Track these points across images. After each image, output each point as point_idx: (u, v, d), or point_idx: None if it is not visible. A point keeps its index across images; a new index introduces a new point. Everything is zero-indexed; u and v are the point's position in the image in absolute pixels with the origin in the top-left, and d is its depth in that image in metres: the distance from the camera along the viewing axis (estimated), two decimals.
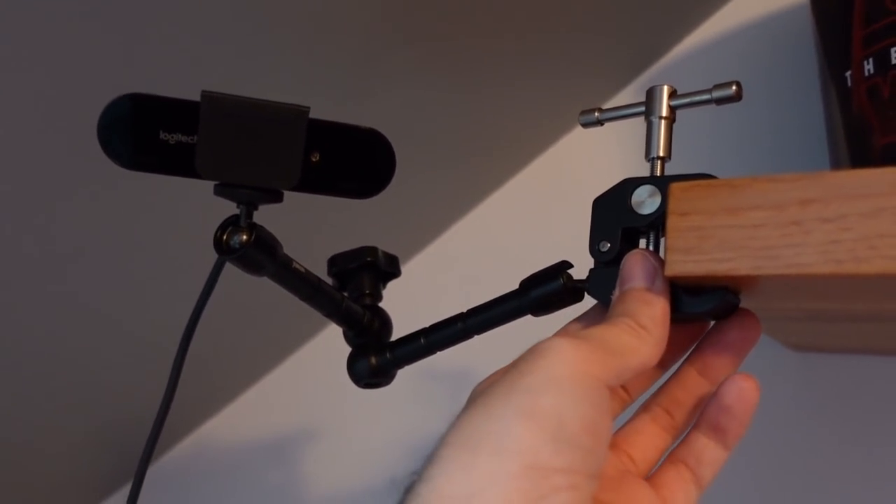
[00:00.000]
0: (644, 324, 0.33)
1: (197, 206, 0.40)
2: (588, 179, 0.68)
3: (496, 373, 0.34)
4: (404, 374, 0.74)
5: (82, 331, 0.64)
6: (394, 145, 0.37)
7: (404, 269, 0.76)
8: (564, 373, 0.29)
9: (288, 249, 0.38)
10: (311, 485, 0.76)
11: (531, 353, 0.30)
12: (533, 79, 0.64)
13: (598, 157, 0.68)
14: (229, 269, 0.43)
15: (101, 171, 0.49)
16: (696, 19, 0.65)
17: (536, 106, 0.67)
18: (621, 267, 0.35)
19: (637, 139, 0.61)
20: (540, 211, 0.70)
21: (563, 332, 0.36)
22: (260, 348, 0.78)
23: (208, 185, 0.35)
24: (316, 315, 0.45)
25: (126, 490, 0.81)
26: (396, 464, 0.72)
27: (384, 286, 0.48)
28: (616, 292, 0.35)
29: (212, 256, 0.46)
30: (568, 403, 0.28)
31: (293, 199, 0.58)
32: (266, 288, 0.44)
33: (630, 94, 0.68)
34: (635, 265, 0.34)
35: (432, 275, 0.73)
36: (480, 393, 0.31)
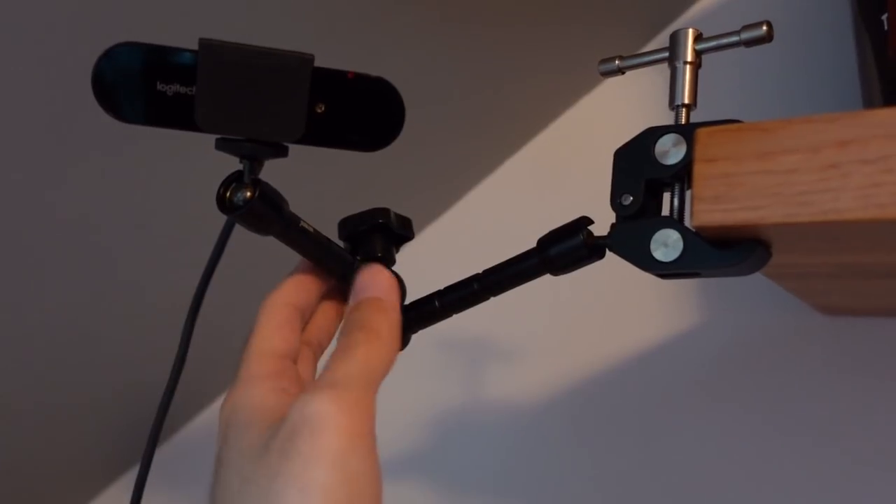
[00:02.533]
0: (382, 333, 0.34)
1: (210, 167, 0.38)
2: (609, 140, 0.66)
3: (252, 424, 0.32)
4: (420, 346, 0.72)
5: (91, 305, 0.63)
6: (406, 106, 0.35)
7: (421, 237, 0.74)
8: (339, 447, 0.29)
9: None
10: None
11: (301, 429, 0.29)
12: (551, 35, 0.62)
13: (620, 116, 0.66)
14: (243, 241, 0.41)
15: (103, 130, 0.48)
16: None
17: (555, 64, 0.65)
18: (355, 279, 0.37)
19: (661, 97, 0.59)
20: (560, 174, 0.68)
21: (322, 380, 0.33)
22: None
23: (208, 140, 0.34)
24: None
25: (125, 478, 0.81)
26: (413, 437, 0.71)
27: (397, 249, 0.47)
28: (351, 302, 0.36)
29: (222, 220, 0.45)
30: (346, 478, 0.29)
31: (303, 168, 0.56)
32: (280, 258, 0.43)
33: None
34: (370, 277, 0.36)
35: (450, 243, 0.72)
36: (244, 459, 0.31)
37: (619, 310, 0.64)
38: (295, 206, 0.38)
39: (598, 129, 0.67)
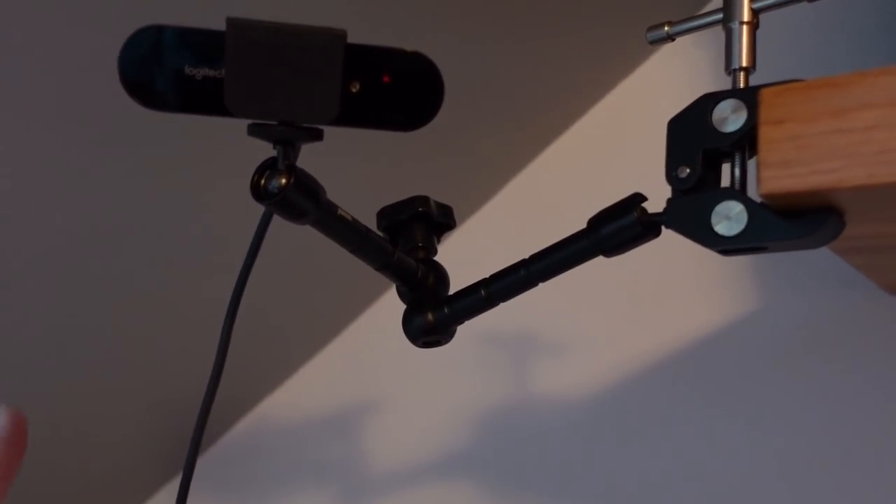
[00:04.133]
0: None
1: (242, 166, 0.37)
2: (657, 119, 0.63)
3: None
4: (467, 341, 0.70)
5: (131, 311, 0.63)
6: (448, 97, 0.33)
7: (466, 226, 0.72)
8: None
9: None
10: (373, 458, 0.74)
11: None
12: (595, 12, 0.60)
13: (668, 93, 0.63)
14: (283, 238, 0.40)
15: (135, 127, 0.47)
16: None
17: (599, 41, 0.62)
18: None
19: (711, 70, 0.56)
20: (607, 156, 0.66)
21: None
22: (316, 320, 0.76)
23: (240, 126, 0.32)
24: (371, 284, 0.42)
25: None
26: (460, 435, 0.69)
27: (439, 239, 0.45)
28: None
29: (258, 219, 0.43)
30: None
31: (342, 158, 0.55)
32: (319, 257, 0.41)
33: (689, 37, 0.63)
34: None
35: (496, 231, 0.70)
36: None
37: (671, 296, 0.61)
38: (333, 197, 0.36)
39: (645, 107, 0.64)
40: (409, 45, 0.33)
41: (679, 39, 0.40)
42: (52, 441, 0.68)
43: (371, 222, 0.43)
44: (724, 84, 0.34)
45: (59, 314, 0.59)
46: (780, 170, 0.28)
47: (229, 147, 0.42)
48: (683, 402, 0.59)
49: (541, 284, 0.39)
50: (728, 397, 0.58)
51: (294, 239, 0.46)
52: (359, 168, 0.61)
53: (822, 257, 0.54)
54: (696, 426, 0.59)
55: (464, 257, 0.52)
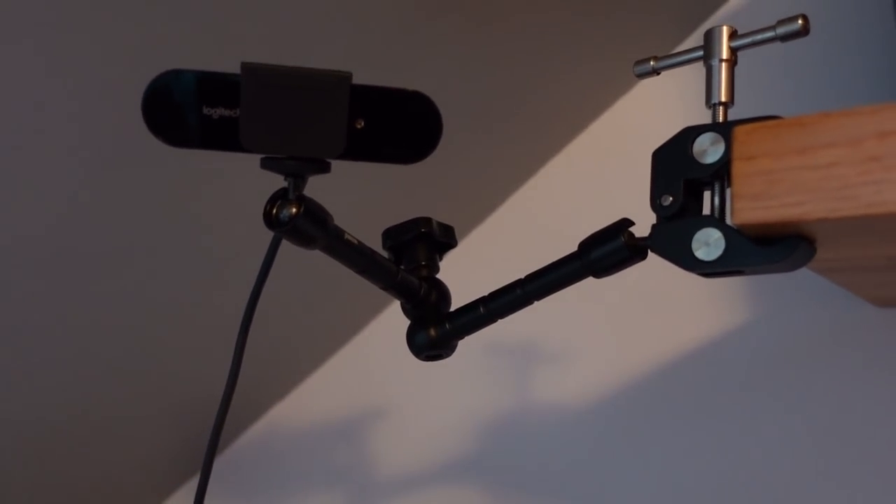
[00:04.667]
0: None
1: (254, 185, 0.40)
2: (648, 140, 0.65)
3: None
4: (470, 350, 0.73)
5: (149, 319, 0.65)
6: (444, 115, 0.36)
7: (463, 243, 0.75)
8: None
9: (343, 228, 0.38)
10: (381, 465, 0.76)
11: None
12: (586, 38, 0.62)
13: (658, 116, 0.65)
14: (291, 252, 0.43)
15: (150, 155, 0.50)
16: None
17: (591, 66, 0.65)
18: None
19: (700, 94, 0.59)
20: (600, 175, 0.68)
21: None
22: (325, 329, 0.78)
23: (253, 160, 0.35)
24: (377, 294, 0.44)
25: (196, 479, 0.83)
26: (466, 442, 0.72)
27: (441, 257, 0.47)
28: None
29: (265, 243, 0.46)
30: None
31: (346, 179, 0.57)
32: (327, 269, 0.44)
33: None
34: None
35: (492, 249, 0.72)
36: None
37: (666, 309, 0.63)
38: (336, 217, 0.39)
39: (637, 128, 0.67)
40: (410, 75, 0.36)
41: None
42: (71, 443, 0.70)
43: (374, 239, 0.45)
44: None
45: (80, 321, 0.62)
46: (751, 202, 0.30)
47: (240, 167, 0.45)
48: (677, 411, 0.62)
49: (536, 303, 0.42)
50: (720, 407, 0.60)
51: (302, 252, 0.49)
52: (362, 185, 0.63)
53: (809, 272, 0.56)
54: (689, 435, 0.61)
55: (464, 272, 0.55)
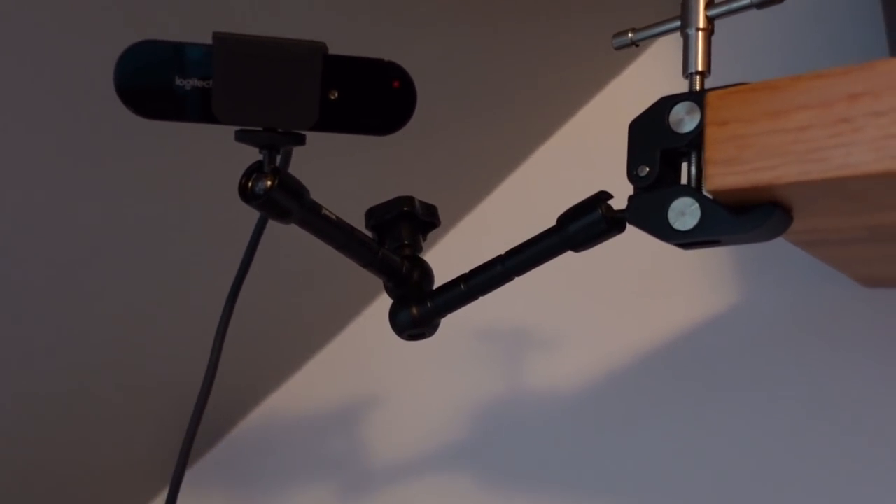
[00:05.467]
0: None
1: (238, 166, 0.40)
2: None
3: None
4: (463, 338, 0.73)
5: (133, 310, 0.65)
6: (434, 100, 0.35)
7: (457, 228, 0.75)
8: None
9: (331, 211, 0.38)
10: (375, 453, 0.76)
11: None
12: (577, 19, 0.62)
13: (651, 96, 0.65)
14: (284, 241, 0.42)
15: (130, 130, 0.50)
16: None
17: (582, 47, 0.64)
18: None
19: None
20: (592, 158, 0.68)
21: None
22: (318, 318, 0.78)
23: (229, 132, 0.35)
24: (370, 283, 0.44)
25: (195, 469, 0.83)
26: (460, 430, 0.71)
27: (424, 237, 0.47)
28: None
29: (246, 223, 0.46)
30: None
31: (334, 161, 0.57)
32: (319, 258, 0.44)
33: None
34: None
35: (485, 234, 0.72)
36: None
37: (655, 293, 0.63)
38: (327, 204, 0.39)
39: (628, 110, 0.66)
40: (398, 58, 0.36)
41: (671, 38, 0.41)
42: (56, 440, 0.70)
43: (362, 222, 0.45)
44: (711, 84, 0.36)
45: (62, 317, 0.62)
46: (724, 167, 0.30)
47: (222, 151, 0.45)
48: (668, 395, 0.61)
49: (517, 279, 0.42)
50: (711, 390, 0.59)
51: (294, 239, 0.48)
52: (353, 171, 0.63)
53: (799, 253, 0.56)
54: (681, 418, 0.60)
55: (459, 256, 0.55)
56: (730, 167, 0.30)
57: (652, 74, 0.65)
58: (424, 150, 0.65)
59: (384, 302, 0.79)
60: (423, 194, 0.48)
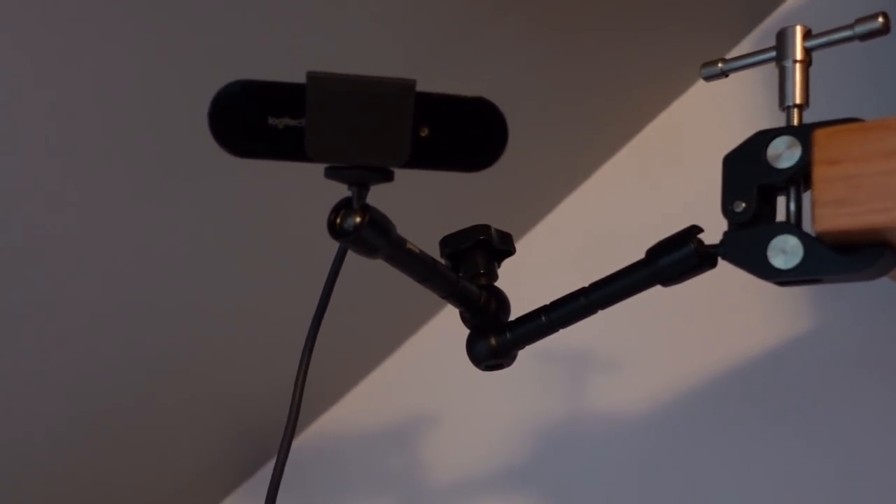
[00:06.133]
0: None
1: (311, 193, 0.40)
2: (708, 142, 0.64)
3: None
4: (522, 357, 0.72)
5: (210, 328, 0.66)
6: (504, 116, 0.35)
7: (518, 245, 0.74)
8: None
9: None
10: (432, 471, 0.76)
11: None
12: (645, 38, 0.61)
13: (717, 114, 0.64)
14: (346, 257, 0.42)
15: (214, 165, 0.50)
16: None
17: (650, 65, 0.64)
18: None
19: (760, 90, 0.57)
20: (658, 175, 0.67)
21: None
22: (376, 334, 0.78)
23: (319, 170, 0.35)
24: (429, 298, 0.44)
25: (253, 480, 0.84)
26: (518, 448, 0.71)
27: (499, 265, 0.47)
28: None
29: (329, 244, 0.46)
30: None
31: (402, 181, 0.57)
32: (378, 272, 0.44)
33: (746, 50, 0.63)
34: None
35: (547, 250, 0.71)
36: None
37: (728, 315, 0.62)
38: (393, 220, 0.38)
39: (696, 127, 0.66)
40: (468, 78, 0.35)
41: (735, 51, 0.40)
42: (132, 445, 0.71)
43: (424, 242, 0.45)
44: (776, 105, 0.35)
45: (145, 329, 0.63)
46: (834, 208, 0.29)
47: (301, 178, 0.45)
48: (739, 420, 0.60)
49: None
50: (784, 417, 0.58)
51: (354, 257, 0.49)
52: (413, 191, 0.63)
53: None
54: (751, 444, 0.59)
55: (516, 275, 0.54)
56: (841, 208, 0.29)
57: (715, 96, 0.64)
58: (488, 172, 0.64)
59: (441, 320, 0.79)
60: (484, 211, 0.48)
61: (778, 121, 0.35)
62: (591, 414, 0.68)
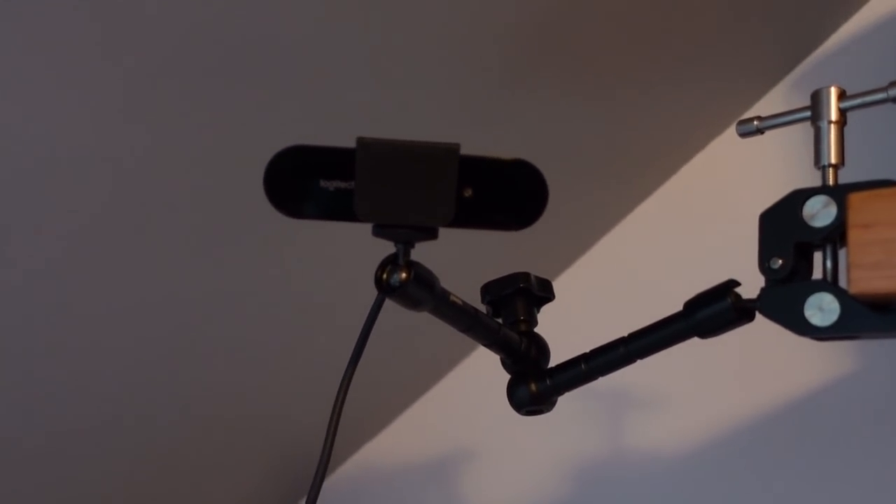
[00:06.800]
0: None
1: (348, 245, 0.41)
2: (740, 186, 0.65)
3: None
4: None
5: (252, 369, 0.68)
6: (539, 164, 0.36)
7: (555, 283, 0.75)
8: None
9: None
10: (466, 503, 0.77)
11: None
12: (674, 85, 0.62)
13: (748, 162, 0.65)
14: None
15: (267, 220, 0.52)
16: (846, 10, 0.61)
17: (679, 113, 0.65)
18: None
19: (790, 138, 0.58)
20: (688, 223, 0.68)
21: None
22: (413, 371, 0.79)
23: (362, 227, 0.36)
24: (464, 338, 0.45)
25: None
26: (555, 484, 0.71)
27: (538, 311, 0.48)
28: None
29: (365, 294, 0.47)
30: None
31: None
32: (414, 314, 0.45)
33: (780, 94, 0.64)
34: None
35: (582, 292, 0.72)
36: None
37: (761, 354, 0.62)
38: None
39: (726, 173, 0.66)
40: (509, 124, 0.36)
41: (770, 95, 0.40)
42: (172, 479, 0.73)
43: (460, 286, 0.46)
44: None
45: (192, 371, 0.65)
46: (870, 271, 0.30)
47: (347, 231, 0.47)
48: (773, 460, 0.60)
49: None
50: (818, 458, 0.58)
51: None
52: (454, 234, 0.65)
53: None
54: (793, 485, 0.59)
55: (552, 315, 0.55)
56: (877, 271, 0.30)
57: (749, 142, 0.65)
58: None
59: (477, 357, 0.80)
60: (520, 253, 0.49)
61: (801, 163, 0.36)
62: (629, 452, 0.68)
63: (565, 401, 0.71)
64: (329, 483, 0.86)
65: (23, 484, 0.64)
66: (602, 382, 0.70)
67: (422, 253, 0.38)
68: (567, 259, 0.73)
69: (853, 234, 0.31)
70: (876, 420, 0.56)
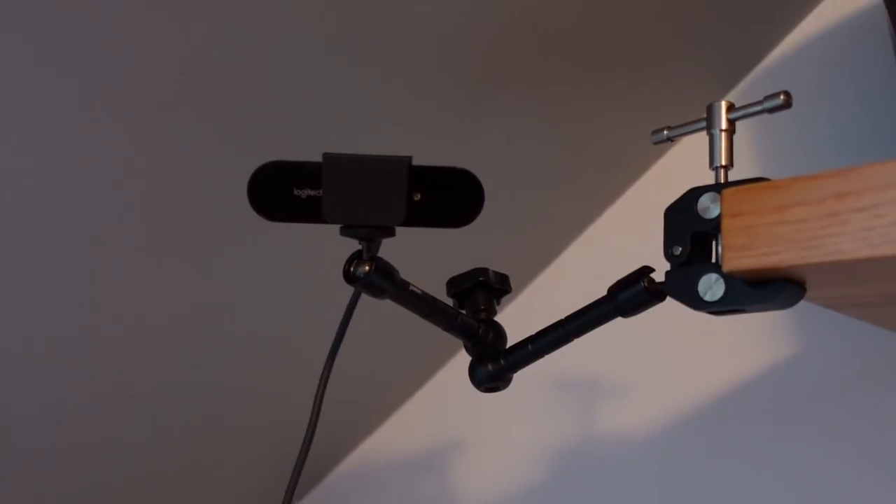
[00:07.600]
0: None
1: (330, 249, 0.48)
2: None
3: None
4: (539, 386, 0.79)
5: (252, 369, 0.74)
6: (504, 176, 0.43)
7: (527, 290, 0.81)
8: None
9: (419, 281, 0.46)
10: (461, 494, 0.82)
11: None
12: (633, 95, 0.68)
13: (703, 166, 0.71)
14: (375, 303, 0.51)
15: (254, 228, 0.59)
16: (792, 18, 0.67)
17: (637, 123, 0.71)
18: None
19: (740, 145, 0.65)
20: (652, 226, 0.74)
21: None
22: (407, 369, 0.85)
23: (334, 230, 0.43)
24: (453, 339, 0.52)
25: None
26: (535, 469, 0.77)
27: (498, 301, 0.55)
28: None
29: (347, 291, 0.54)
30: None
31: (416, 240, 0.65)
32: (407, 315, 0.52)
33: (735, 98, 0.70)
34: None
35: (552, 296, 0.78)
36: None
37: (719, 342, 0.68)
38: (412, 271, 0.46)
39: (685, 176, 0.72)
40: (476, 140, 0.43)
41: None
42: (175, 484, 0.80)
43: (441, 288, 0.52)
44: (756, 156, 0.42)
45: (192, 371, 0.72)
46: (738, 252, 0.37)
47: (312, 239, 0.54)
48: (734, 439, 0.66)
49: (576, 340, 0.48)
50: (770, 438, 0.64)
51: (385, 303, 0.57)
52: (434, 244, 0.71)
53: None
54: (746, 465, 0.65)
55: (527, 318, 0.61)
56: (743, 252, 0.36)
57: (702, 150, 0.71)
58: (495, 223, 0.72)
59: (465, 355, 0.86)
60: (493, 261, 0.56)
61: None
62: (606, 435, 0.74)
63: (546, 392, 0.77)
64: (332, 478, 0.92)
65: (23, 484, 0.69)
66: (579, 373, 0.76)
67: (415, 259, 0.44)
68: (542, 263, 0.80)
69: (725, 222, 0.37)
70: (816, 404, 0.62)
